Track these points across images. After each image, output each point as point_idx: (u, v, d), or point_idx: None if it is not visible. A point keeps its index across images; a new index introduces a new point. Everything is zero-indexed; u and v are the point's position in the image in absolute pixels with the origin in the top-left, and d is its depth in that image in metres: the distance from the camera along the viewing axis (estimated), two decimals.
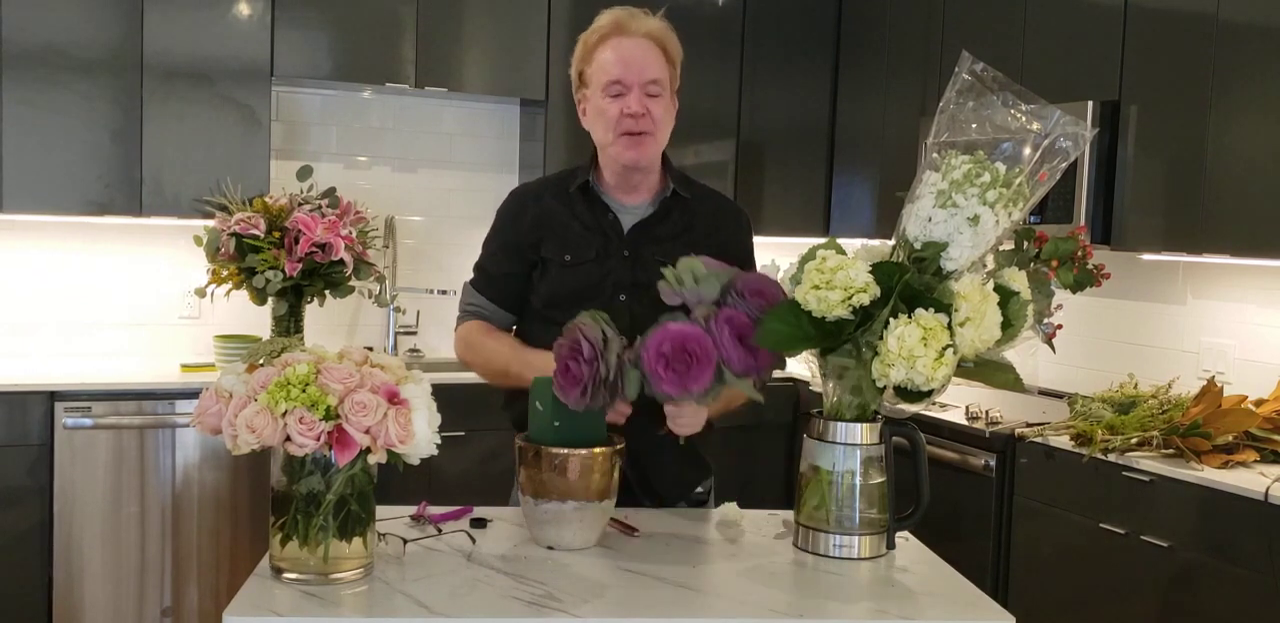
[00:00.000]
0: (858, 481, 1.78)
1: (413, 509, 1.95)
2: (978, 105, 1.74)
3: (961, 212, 1.65)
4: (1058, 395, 3.45)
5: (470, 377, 4.10)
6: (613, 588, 1.65)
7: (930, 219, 1.67)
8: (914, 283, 1.64)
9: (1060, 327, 2.06)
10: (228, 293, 3.71)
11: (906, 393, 1.64)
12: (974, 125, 1.73)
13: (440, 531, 1.87)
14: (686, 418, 1.94)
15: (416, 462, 1.59)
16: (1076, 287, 2.09)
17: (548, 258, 2.15)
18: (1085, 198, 3.28)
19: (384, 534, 1.77)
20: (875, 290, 1.64)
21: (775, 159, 4.57)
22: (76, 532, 3.42)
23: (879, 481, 1.79)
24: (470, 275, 2.38)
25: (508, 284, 2.24)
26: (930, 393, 1.64)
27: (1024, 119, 1.73)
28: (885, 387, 1.65)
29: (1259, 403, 2.94)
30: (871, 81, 4.41)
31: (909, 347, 1.58)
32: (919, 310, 1.62)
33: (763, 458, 4.23)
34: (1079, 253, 2.09)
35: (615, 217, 2.16)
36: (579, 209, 2.16)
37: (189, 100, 3.77)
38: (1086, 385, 3.44)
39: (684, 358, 1.66)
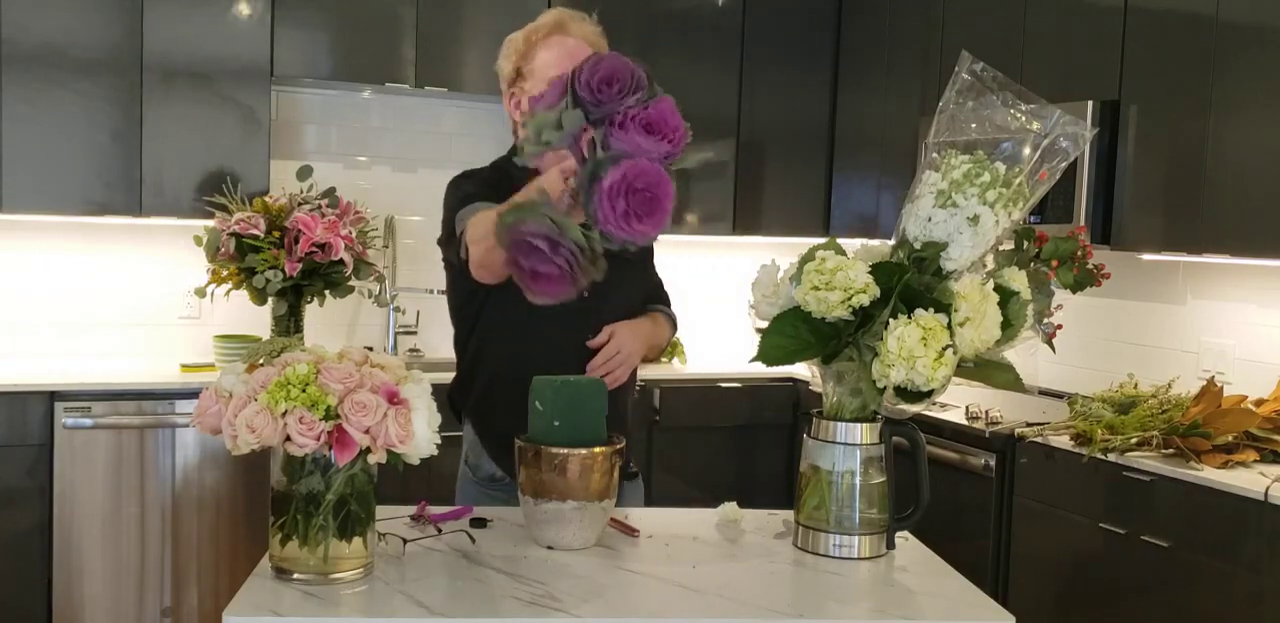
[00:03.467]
0: (858, 480, 1.78)
1: (413, 509, 1.95)
2: (978, 105, 1.74)
3: (961, 211, 1.65)
4: (1058, 395, 3.45)
5: None
6: (613, 588, 1.65)
7: (930, 219, 1.68)
8: (914, 283, 1.64)
9: (1060, 327, 2.06)
10: (228, 293, 3.71)
11: (907, 393, 1.64)
12: (974, 125, 1.73)
13: (440, 531, 1.87)
14: (616, 363, 2.09)
15: (416, 462, 1.59)
16: (1076, 287, 2.10)
17: None
18: (1085, 198, 3.28)
19: (384, 534, 1.77)
20: (875, 291, 1.64)
21: (775, 159, 4.57)
22: (76, 532, 3.42)
23: (879, 480, 1.79)
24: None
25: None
26: (930, 393, 1.64)
27: (1024, 119, 1.73)
28: (885, 387, 1.65)
29: (1259, 403, 2.94)
30: (871, 81, 4.41)
31: (909, 347, 1.58)
32: (919, 311, 1.62)
33: (763, 458, 4.23)
34: (1079, 253, 2.09)
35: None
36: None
37: (189, 100, 3.77)
38: (1086, 385, 3.44)
39: (645, 197, 1.50)
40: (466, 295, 2.22)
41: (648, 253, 2.36)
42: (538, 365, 1.94)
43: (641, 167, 1.47)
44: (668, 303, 2.44)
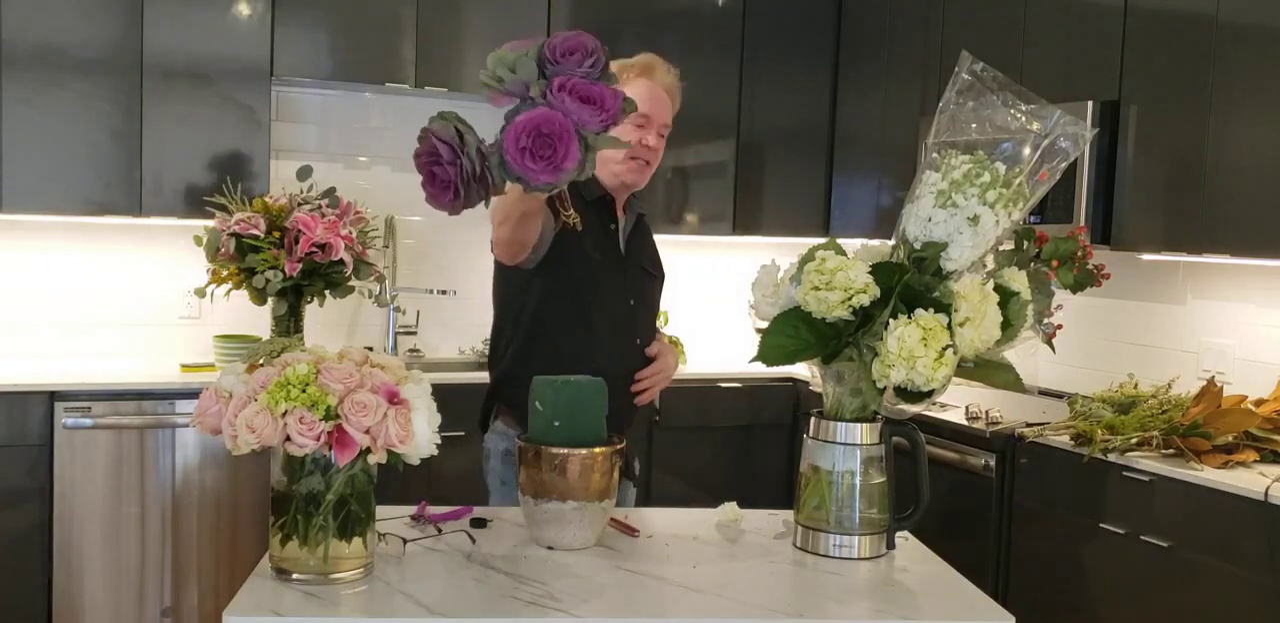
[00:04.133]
0: (858, 481, 1.78)
1: (413, 509, 1.95)
2: (978, 105, 1.74)
3: (961, 212, 1.65)
4: (1058, 395, 3.45)
5: (470, 377, 4.12)
6: (613, 588, 1.65)
7: (930, 219, 1.68)
8: (914, 283, 1.65)
9: (1060, 327, 2.06)
10: (228, 293, 3.71)
11: (907, 393, 1.64)
12: (974, 125, 1.73)
13: (440, 531, 1.87)
14: (660, 381, 2.40)
15: (416, 462, 1.59)
16: (1076, 287, 2.10)
17: (571, 243, 2.28)
18: (1085, 198, 3.28)
19: (384, 534, 1.77)
20: (875, 291, 1.64)
21: (775, 159, 4.57)
22: (76, 532, 3.42)
23: (879, 481, 1.79)
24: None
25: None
26: (930, 393, 1.64)
27: (1024, 119, 1.73)
28: (885, 387, 1.65)
29: (1259, 403, 2.94)
30: (871, 81, 4.41)
31: (909, 347, 1.58)
32: (919, 311, 1.62)
33: (763, 458, 4.23)
34: (1079, 253, 2.09)
35: (616, 227, 2.42)
36: (589, 215, 2.33)
37: (189, 100, 3.77)
38: (1086, 385, 3.44)
39: (546, 142, 1.59)
40: (518, 293, 2.37)
41: (663, 274, 2.58)
42: (589, 366, 2.05)
43: (554, 116, 1.57)
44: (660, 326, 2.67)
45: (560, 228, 2.21)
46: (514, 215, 2.10)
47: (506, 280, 2.42)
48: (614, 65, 2.24)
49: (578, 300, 2.34)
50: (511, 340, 2.40)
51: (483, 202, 1.64)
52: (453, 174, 1.65)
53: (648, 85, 2.36)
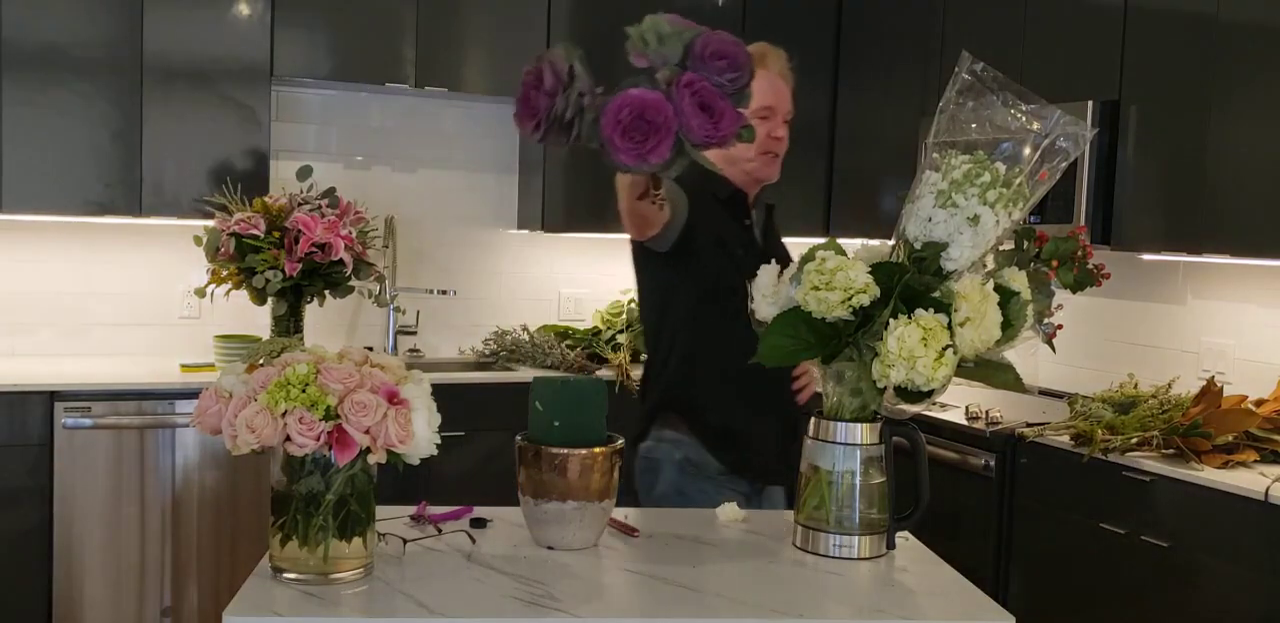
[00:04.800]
0: (858, 480, 1.78)
1: (413, 509, 1.95)
2: (978, 105, 1.74)
3: (962, 212, 1.65)
4: (1058, 395, 3.45)
5: (470, 377, 4.12)
6: (613, 588, 1.65)
7: (930, 219, 1.68)
8: (914, 283, 1.64)
9: (1060, 327, 2.06)
10: (227, 293, 3.71)
11: (907, 393, 1.64)
12: (974, 125, 1.73)
13: (440, 531, 1.87)
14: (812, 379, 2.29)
15: (416, 462, 1.59)
16: (1076, 287, 2.10)
17: (707, 243, 2.27)
18: (1085, 198, 3.28)
19: (384, 534, 1.77)
20: (875, 291, 1.64)
21: None
22: (76, 532, 3.42)
23: (879, 480, 1.79)
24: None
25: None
26: (931, 393, 1.64)
27: (1024, 119, 1.73)
28: (885, 387, 1.65)
29: (1259, 403, 2.94)
30: (871, 81, 4.41)
31: (909, 347, 1.58)
32: (919, 311, 1.62)
33: None
34: (1079, 253, 2.09)
35: (751, 222, 2.41)
36: (723, 212, 2.34)
37: (189, 100, 3.76)
38: (1086, 385, 3.44)
39: (643, 127, 1.53)
40: (668, 297, 2.37)
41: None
42: (761, 374, 1.98)
43: (664, 107, 1.53)
44: None
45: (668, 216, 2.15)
46: (623, 185, 2.08)
47: (653, 286, 2.41)
48: None
49: (730, 298, 2.25)
50: (672, 345, 2.39)
51: (565, 144, 1.59)
52: (542, 107, 1.58)
53: (765, 76, 2.27)
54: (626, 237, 2.31)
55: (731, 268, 2.24)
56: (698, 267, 2.29)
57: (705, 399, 2.38)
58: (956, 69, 1.74)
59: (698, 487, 2.36)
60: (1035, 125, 1.72)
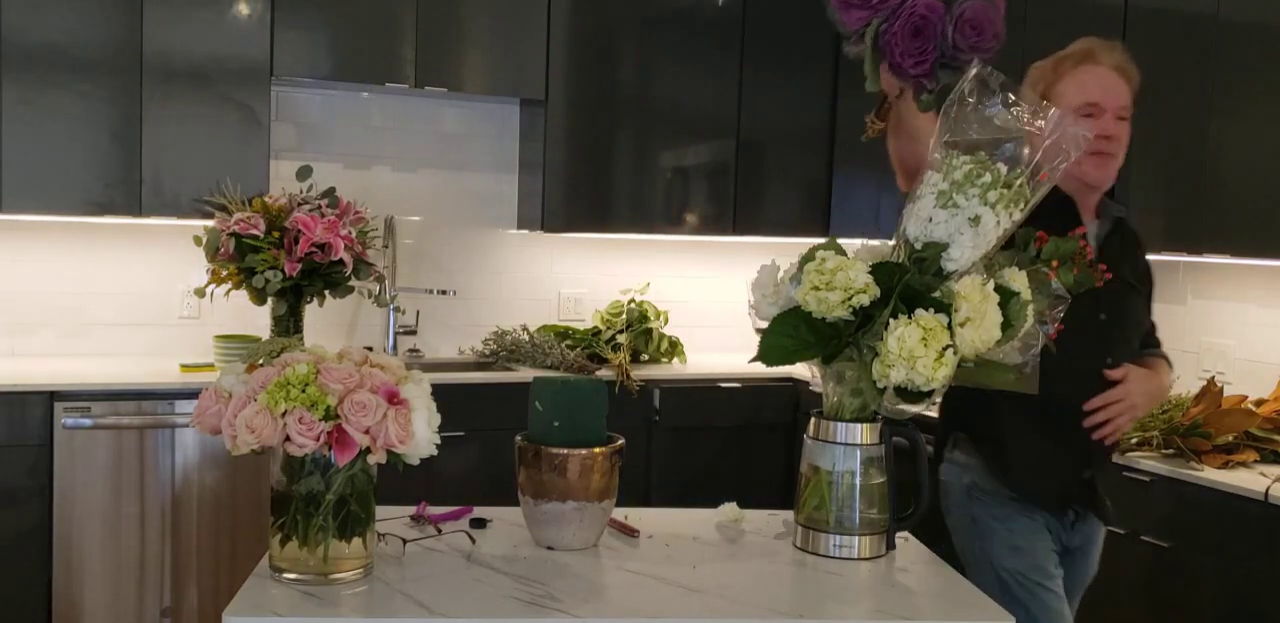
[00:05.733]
0: (858, 481, 1.78)
1: (413, 509, 1.95)
2: (980, 106, 1.74)
3: (963, 212, 1.65)
4: None
5: (470, 377, 4.12)
6: (613, 588, 1.65)
7: (931, 219, 1.68)
8: (914, 283, 1.64)
9: (1061, 327, 2.06)
10: (227, 293, 3.71)
11: (907, 393, 1.64)
12: (975, 126, 1.73)
13: (440, 531, 1.87)
14: (1118, 411, 2.10)
15: (416, 462, 1.59)
16: (1076, 287, 2.09)
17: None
18: None
19: (384, 534, 1.77)
20: (875, 291, 1.64)
21: (775, 159, 4.56)
22: (76, 532, 3.42)
23: (879, 481, 1.79)
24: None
25: None
26: (931, 393, 1.64)
27: (1025, 120, 1.73)
28: (885, 387, 1.65)
29: (1259, 403, 2.94)
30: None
31: (909, 347, 1.58)
32: (919, 311, 1.62)
33: (763, 458, 4.23)
34: (1079, 253, 2.09)
35: (1085, 233, 2.16)
36: (1046, 219, 2.10)
37: (189, 100, 3.76)
38: None
39: (923, 36, 1.76)
40: None
41: (1150, 286, 2.32)
42: (1058, 395, 1.94)
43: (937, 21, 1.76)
44: (1159, 345, 2.37)
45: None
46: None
47: None
48: (1047, 62, 2.21)
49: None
50: None
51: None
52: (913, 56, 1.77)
53: (1091, 71, 2.16)
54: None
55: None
56: None
57: (993, 420, 2.19)
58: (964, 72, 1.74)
59: (988, 513, 2.19)
60: (1037, 125, 1.72)
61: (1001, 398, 2.08)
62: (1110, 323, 2.17)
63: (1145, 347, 2.31)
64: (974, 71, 1.73)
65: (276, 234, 3.62)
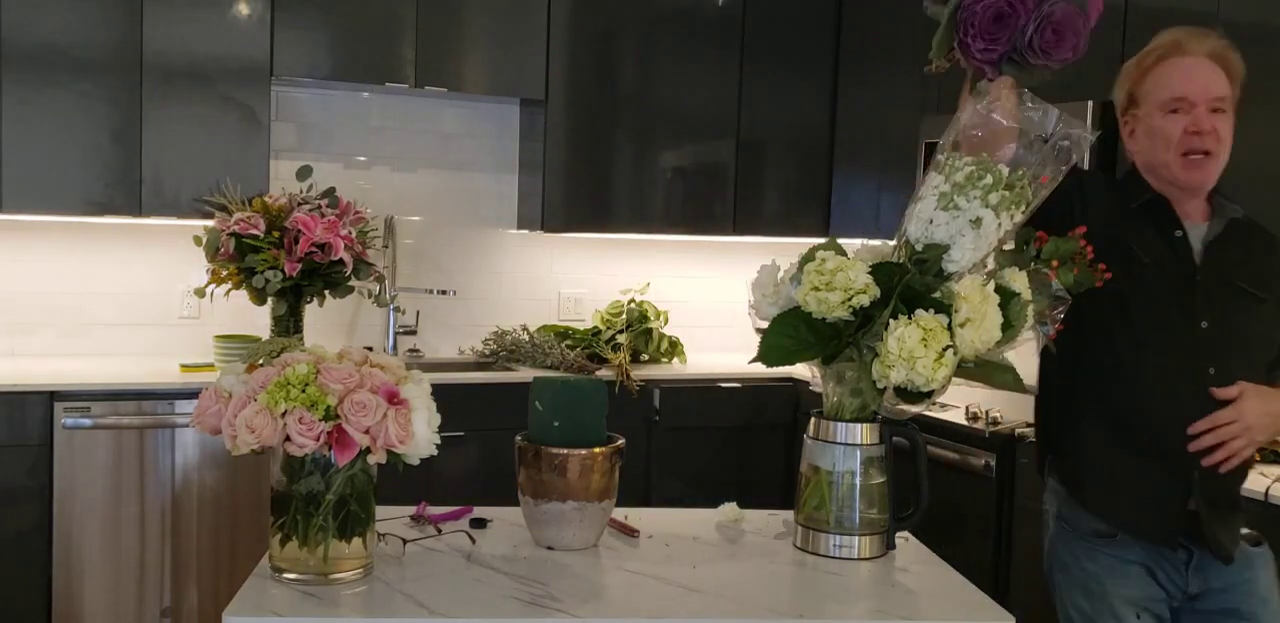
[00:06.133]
0: (858, 481, 1.78)
1: (413, 509, 1.95)
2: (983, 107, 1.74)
3: (964, 214, 1.65)
4: None
5: (470, 377, 4.11)
6: (613, 588, 1.65)
7: (932, 221, 1.68)
8: (914, 283, 1.64)
9: (1061, 327, 2.06)
10: (227, 293, 3.71)
11: (907, 394, 1.64)
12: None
13: (440, 531, 1.87)
14: (1229, 434, 1.85)
15: (416, 462, 1.59)
16: (1076, 287, 2.09)
17: (1116, 250, 1.91)
18: None
19: (384, 534, 1.77)
20: (875, 291, 1.64)
21: (775, 159, 4.57)
22: (76, 532, 3.42)
23: (879, 481, 1.79)
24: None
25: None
26: (930, 394, 1.64)
27: (1025, 120, 1.73)
28: (885, 388, 1.65)
29: None
30: (871, 81, 4.41)
31: (909, 348, 1.58)
32: (919, 311, 1.62)
33: (763, 458, 4.23)
34: (1079, 253, 2.09)
35: (1184, 234, 2.00)
36: (1138, 221, 1.99)
37: (189, 100, 3.76)
38: None
39: (1005, 24, 1.73)
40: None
41: (1272, 295, 2.01)
42: (1146, 410, 1.85)
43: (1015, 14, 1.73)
44: None
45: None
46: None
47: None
48: (1132, 60, 2.09)
49: (1120, 321, 1.93)
50: (1055, 373, 2.04)
51: None
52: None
53: (1177, 64, 1.98)
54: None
55: (1127, 281, 1.89)
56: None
57: (1077, 438, 2.00)
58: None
59: (1069, 550, 2.01)
60: (1037, 125, 1.73)
61: (1081, 413, 1.99)
62: (1213, 332, 1.92)
63: (1277, 368, 2.02)
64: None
65: (276, 234, 3.63)
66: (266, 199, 3.72)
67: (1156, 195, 2.00)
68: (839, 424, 1.77)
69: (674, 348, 4.38)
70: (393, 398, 1.55)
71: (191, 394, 3.45)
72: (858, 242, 1.83)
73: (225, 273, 3.65)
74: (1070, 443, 2.03)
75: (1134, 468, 1.95)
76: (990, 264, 1.80)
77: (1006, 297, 1.70)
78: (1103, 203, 2.00)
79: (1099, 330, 1.95)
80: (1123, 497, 1.96)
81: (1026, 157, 1.73)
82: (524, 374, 3.97)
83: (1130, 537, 1.95)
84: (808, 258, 1.70)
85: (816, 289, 1.64)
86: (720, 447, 4.19)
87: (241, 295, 3.74)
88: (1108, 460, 1.96)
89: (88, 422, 3.42)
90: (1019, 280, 1.74)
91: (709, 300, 4.74)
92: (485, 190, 4.50)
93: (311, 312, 3.91)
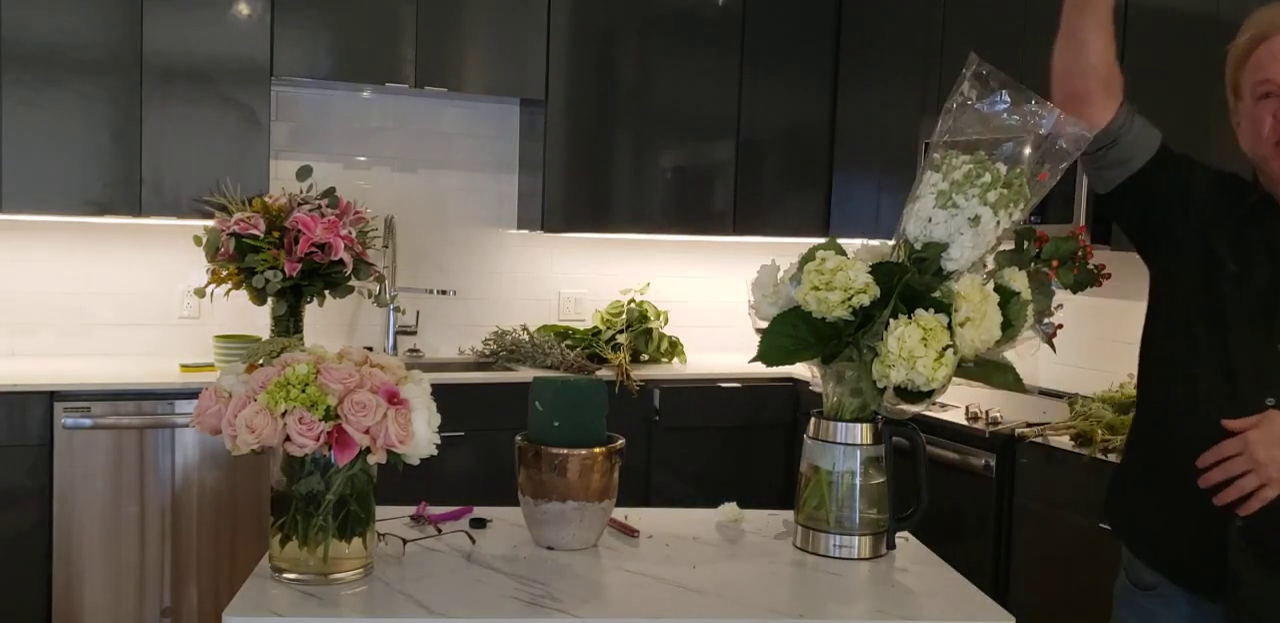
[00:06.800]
0: (858, 481, 1.78)
1: (413, 509, 1.95)
2: (981, 106, 1.74)
3: (962, 212, 1.65)
4: (1058, 395, 3.45)
5: (470, 377, 4.11)
6: (613, 588, 1.65)
7: (930, 219, 1.68)
8: (914, 283, 1.64)
9: (1060, 326, 2.06)
10: (227, 293, 3.71)
11: (907, 394, 1.64)
12: (976, 126, 1.73)
13: (440, 531, 1.87)
14: (1238, 468, 1.56)
15: (416, 462, 1.59)
16: (1077, 287, 2.10)
17: (1199, 255, 1.73)
18: (1085, 198, 3.27)
19: (384, 534, 1.77)
20: (875, 291, 1.64)
21: (775, 159, 4.57)
22: (76, 532, 3.42)
23: (879, 481, 1.79)
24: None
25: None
26: (931, 394, 1.64)
27: (1025, 120, 1.73)
28: (885, 387, 1.65)
29: None
30: (871, 81, 4.41)
31: (909, 347, 1.58)
32: (919, 311, 1.62)
33: (763, 458, 4.23)
34: (1079, 253, 2.09)
35: None
36: (1241, 225, 1.74)
37: (189, 100, 3.76)
38: (1086, 385, 3.44)
39: None
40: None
41: None
42: (1182, 432, 1.65)
43: None
44: None
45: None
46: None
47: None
48: (1241, 39, 1.77)
49: (1184, 332, 1.71)
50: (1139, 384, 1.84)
51: None
52: None
53: (1266, 45, 1.69)
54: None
55: (1205, 284, 1.70)
56: (1166, 278, 1.79)
57: (1127, 467, 1.85)
58: (964, 70, 1.74)
59: (1118, 598, 1.84)
60: (1036, 123, 1.72)
61: (1136, 435, 1.83)
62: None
63: None
64: (972, 69, 1.72)
65: (276, 234, 3.63)
66: (266, 199, 3.72)
67: (1265, 195, 1.73)
68: (839, 424, 1.77)
69: (674, 348, 4.38)
70: (393, 398, 1.55)
71: (191, 394, 3.45)
72: (858, 241, 1.83)
73: (225, 273, 3.66)
74: (1120, 474, 1.87)
75: (1164, 501, 1.73)
76: (990, 264, 1.80)
77: (1006, 296, 1.69)
78: (1208, 204, 1.78)
79: (1169, 335, 1.77)
80: (1154, 532, 1.76)
81: (1024, 153, 1.72)
82: (524, 374, 3.97)
83: (1171, 580, 1.72)
84: (807, 258, 1.70)
85: (816, 289, 1.64)
86: (720, 447, 4.19)
87: (241, 295, 3.74)
88: (1144, 490, 1.76)
89: (88, 422, 3.42)
90: (1019, 280, 1.74)
91: (709, 300, 4.74)
92: (485, 190, 4.50)
93: (311, 312, 3.91)
